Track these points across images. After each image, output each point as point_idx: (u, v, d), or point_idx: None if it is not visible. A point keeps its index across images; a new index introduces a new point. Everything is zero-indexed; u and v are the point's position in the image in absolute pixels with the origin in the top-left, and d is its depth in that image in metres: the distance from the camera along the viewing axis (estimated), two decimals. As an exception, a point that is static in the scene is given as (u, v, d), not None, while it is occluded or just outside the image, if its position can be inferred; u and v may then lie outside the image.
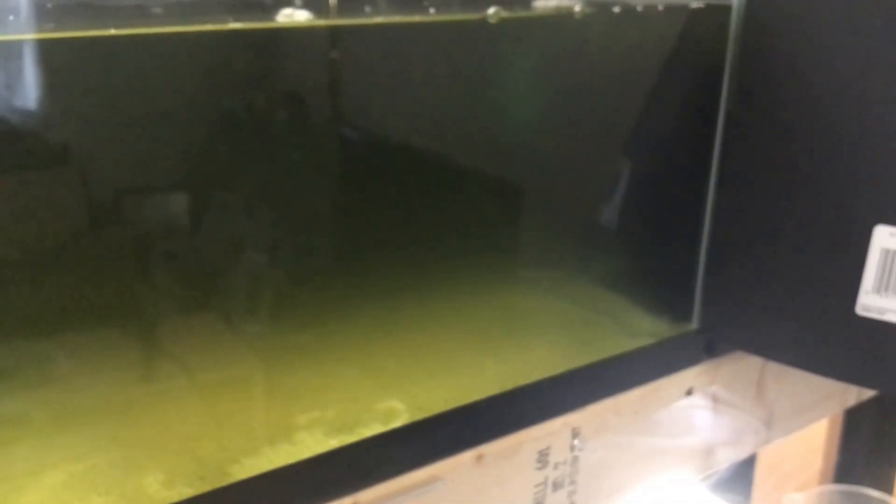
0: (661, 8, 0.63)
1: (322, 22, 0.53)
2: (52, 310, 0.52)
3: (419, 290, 0.71)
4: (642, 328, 0.78)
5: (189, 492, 0.54)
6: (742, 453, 0.87)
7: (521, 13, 0.54)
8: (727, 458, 0.86)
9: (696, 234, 0.75)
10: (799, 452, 1.34)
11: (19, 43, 0.45)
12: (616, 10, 0.61)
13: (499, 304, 0.77)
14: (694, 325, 0.77)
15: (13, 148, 0.47)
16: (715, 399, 0.81)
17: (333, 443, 0.61)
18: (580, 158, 0.73)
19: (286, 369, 0.63)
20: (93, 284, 0.54)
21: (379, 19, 0.53)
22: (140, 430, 0.55)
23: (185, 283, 0.58)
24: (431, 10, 0.55)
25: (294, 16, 0.51)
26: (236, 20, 0.50)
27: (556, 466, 0.71)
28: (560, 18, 0.58)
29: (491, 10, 0.53)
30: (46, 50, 0.46)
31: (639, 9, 0.62)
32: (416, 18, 0.54)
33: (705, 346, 0.78)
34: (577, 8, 0.59)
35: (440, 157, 0.66)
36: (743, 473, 1.26)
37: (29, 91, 0.47)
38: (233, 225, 0.59)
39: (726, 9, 0.67)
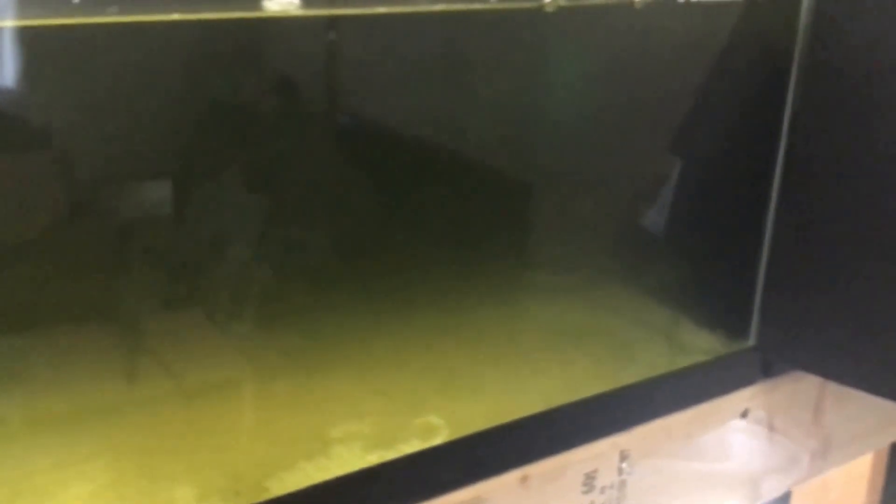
0: None
1: (367, 11, 0.50)
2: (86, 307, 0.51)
3: (461, 300, 0.67)
4: (695, 344, 0.74)
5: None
6: (796, 482, 0.83)
7: (581, 2, 0.50)
8: (780, 486, 0.81)
9: (756, 244, 0.71)
10: (842, 482, 1.28)
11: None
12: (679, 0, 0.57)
13: (544, 317, 0.73)
14: (750, 341, 0.73)
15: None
16: (770, 422, 0.76)
17: (371, 458, 0.57)
18: (632, 158, 0.70)
19: (323, 380, 0.59)
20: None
21: (439, 7, 0.50)
22: (171, 441, 0.52)
23: (217, 287, 0.55)
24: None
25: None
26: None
27: (602, 490, 0.67)
28: (619, 8, 0.54)
29: (548, -2, 0.50)
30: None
31: None
32: (475, 6, 0.50)
33: (762, 364, 0.73)
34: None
35: (480, 155, 0.62)
36: (781, 504, 1.20)
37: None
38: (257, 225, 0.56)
39: (795, 0, 0.63)
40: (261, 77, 0.52)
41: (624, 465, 0.68)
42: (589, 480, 0.66)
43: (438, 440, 0.60)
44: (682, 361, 0.72)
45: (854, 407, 0.81)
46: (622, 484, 0.68)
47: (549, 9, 0.50)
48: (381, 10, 0.48)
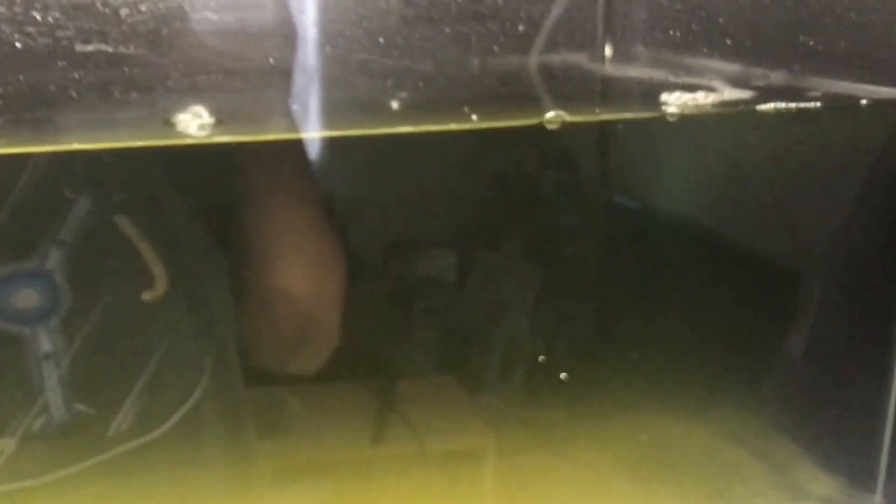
0: (813, 106, 0.47)
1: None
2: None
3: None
4: (810, 489, 0.62)
5: None
6: None
7: (586, 118, 0.43)
8: None
9: (885, 380, 0.57)
10: None
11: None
12: (774, 107, 0.46)
13: (633, 427, 0.64)
14: (877, 498, 0.59)
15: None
16: None
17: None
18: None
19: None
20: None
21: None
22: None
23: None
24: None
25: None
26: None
27: None
28: (648, 123, 0.45)
29: (550, 115, 0.42)
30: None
31: (795, 105, 0.47)
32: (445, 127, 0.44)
33: (898, 526, 0.59)
34: (689, 104, 0.45)
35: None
36: None
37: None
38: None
39: None
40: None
41: None
42: None
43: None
44: (792, 510, 0.60)
45: None
46: None
47: (550, 126, 0.42)
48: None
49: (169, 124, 0.39)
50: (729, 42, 0.42)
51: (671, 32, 0.41)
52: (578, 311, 0.65)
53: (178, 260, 0.47)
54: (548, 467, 0.61)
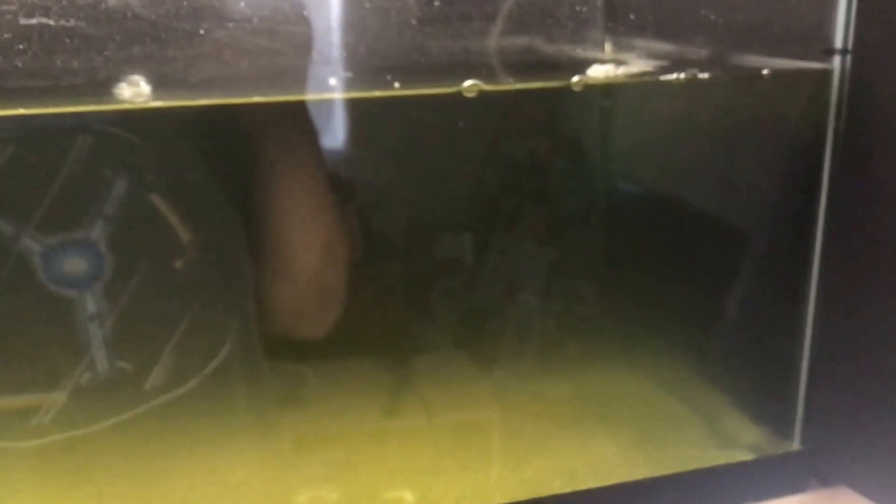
0: (714, 75, 0.50)
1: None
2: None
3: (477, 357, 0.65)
4: (738, 438, 0.65)
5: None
6: None
7: (500, 87, 0.46)
8: None
9: (799, 336, 0.61)
10: None
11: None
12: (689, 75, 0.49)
13: (573, 379, 0.68)
14: (795, 444, 0.63)
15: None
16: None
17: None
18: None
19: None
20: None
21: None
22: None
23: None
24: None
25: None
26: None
27: None
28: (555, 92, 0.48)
29: (467, 83, 0.46)
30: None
31: (696, 75, 0.50)
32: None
33: (814, 472, 0.63)
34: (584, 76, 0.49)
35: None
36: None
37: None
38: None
39: (822, 74, 0.52)
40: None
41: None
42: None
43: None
44: (718, 456, 0.63)
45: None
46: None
47: (468, 94, 0.46)
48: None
49: (108, 92, 0.43)
50: (633, 17, 0.45)
51: (577, 8, 0.44)
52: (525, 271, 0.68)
53: (205, 231, 0.53)
54: (494, 422, 0.66)
